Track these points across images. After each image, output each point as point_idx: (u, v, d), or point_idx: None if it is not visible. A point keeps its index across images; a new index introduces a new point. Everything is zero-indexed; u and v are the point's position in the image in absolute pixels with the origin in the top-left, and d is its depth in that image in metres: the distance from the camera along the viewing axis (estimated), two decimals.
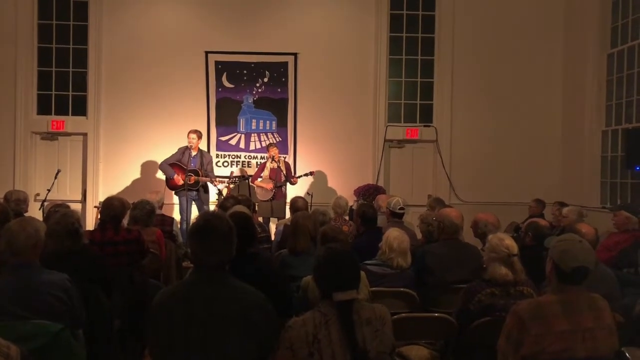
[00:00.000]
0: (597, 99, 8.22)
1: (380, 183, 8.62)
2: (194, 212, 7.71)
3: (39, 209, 7.06)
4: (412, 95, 9.16)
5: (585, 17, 8.43)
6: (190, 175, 7.56)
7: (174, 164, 7.71)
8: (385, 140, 8.98)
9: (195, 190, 7.68)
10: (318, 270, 2.40)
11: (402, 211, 5.32)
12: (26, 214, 5.08)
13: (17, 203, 5.27)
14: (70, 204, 5.54)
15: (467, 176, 8.95)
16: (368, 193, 7.64)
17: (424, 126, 9.07)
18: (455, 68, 8.97)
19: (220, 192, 7.63)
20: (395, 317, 2.82)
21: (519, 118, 8.97)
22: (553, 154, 9.00)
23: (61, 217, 3.63)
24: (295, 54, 8.87)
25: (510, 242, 3.20)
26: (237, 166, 8.88)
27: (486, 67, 8.98)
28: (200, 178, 7.61)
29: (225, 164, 8.91)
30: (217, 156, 8.87)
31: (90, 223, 8.31)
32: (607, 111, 8.18)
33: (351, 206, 7.04)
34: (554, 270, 2.49)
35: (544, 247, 4.26)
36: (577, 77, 8.62)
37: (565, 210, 5.95)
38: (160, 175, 8.17)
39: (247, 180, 8.24)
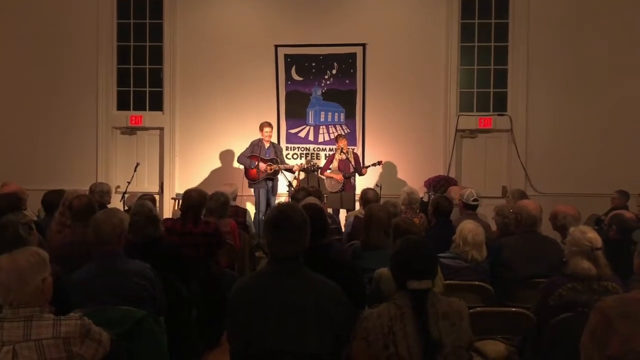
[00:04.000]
0: None
1: (452, 174, 8.41)
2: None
3: (120, 201, 7.40)
4: (485, 84, 8.88)
5: None
6: (270, 164, 7.72)
7: (252, 155, 7.86)
8: (456, 130, 8.76)
9: (271, 180, 7.83)
10: (394, 258, 2.39)
11: (475, 203, 5.21)
12: (109, 206, 5.34)
13: (100, 195, 5.54)
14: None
15: (543, 166, 8.58)
16: (439, 185, 7.47)
17: (498, 115, 8.78)
18: (530, 54, 8.60)
19: (290, 184, 7.73)
20: (470, 311, 2.76)
21: (600, 104, 8.48)
22: (638, 142, 8.47)
23: (138, 206, 3.83)
24: (363, 45, 8.79)
25: (593, 235, 3.06)
26: (305, 158, 8.95)
27: (565, 52, 8.54)
28: (279, 166, 7.75)
29: (295, 156, 9.00)
30: (287, 148, 8.96)
31: (167, 214, 8.63)
32: None
33: (421, 198, 6.93)
34: None
35: (632, 241, 4.05)
36: None
37: None
38: (237, 165, 8.33)
39: (316, 172, 8.30)
